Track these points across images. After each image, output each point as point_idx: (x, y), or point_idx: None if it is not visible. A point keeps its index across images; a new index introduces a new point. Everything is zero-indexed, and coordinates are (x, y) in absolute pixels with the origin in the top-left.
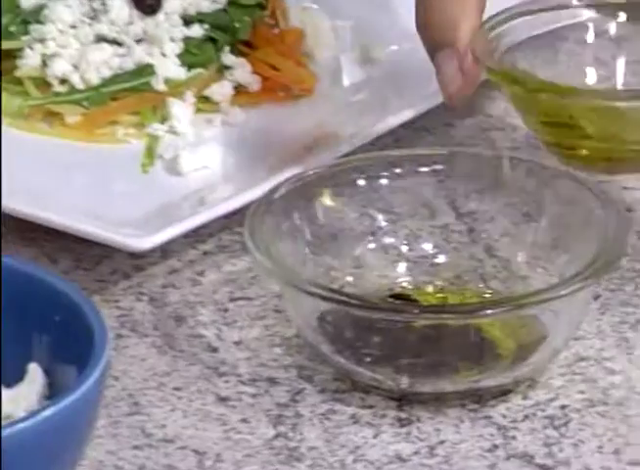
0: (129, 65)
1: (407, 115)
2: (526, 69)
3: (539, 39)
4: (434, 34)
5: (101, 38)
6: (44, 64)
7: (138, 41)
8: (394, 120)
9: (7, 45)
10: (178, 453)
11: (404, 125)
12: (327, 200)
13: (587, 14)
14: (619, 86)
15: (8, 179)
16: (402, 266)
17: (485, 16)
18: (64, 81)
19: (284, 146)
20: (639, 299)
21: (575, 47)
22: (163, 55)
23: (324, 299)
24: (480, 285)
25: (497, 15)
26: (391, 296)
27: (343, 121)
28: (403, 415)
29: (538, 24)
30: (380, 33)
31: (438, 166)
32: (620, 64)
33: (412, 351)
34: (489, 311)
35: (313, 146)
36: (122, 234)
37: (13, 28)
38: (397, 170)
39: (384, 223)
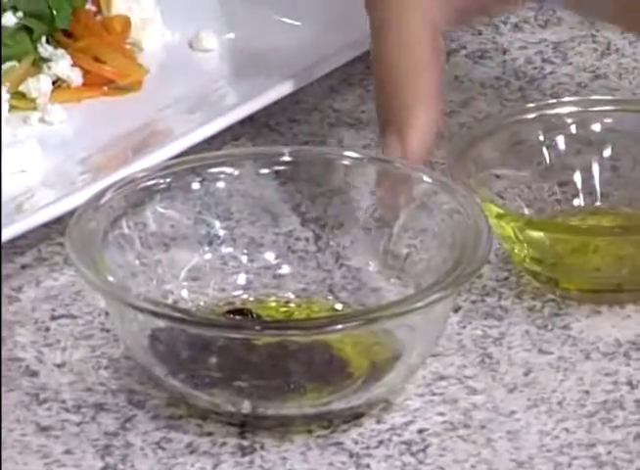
0: None
1: (246, 110)
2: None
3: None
4: (386, 105)
5: None
6: None
7: None
8: (232, 117)
9: None
10: None
11: (243, 122)
12: (158, 205)
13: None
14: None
15: None
16: (242, 278)
17: None
18: None
19: (109, 146)
20: (502, 311)
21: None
22: None
23: (155, 315)
24: (329, 297)
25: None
26: (230, 311)
27: (175, 118)
28: (245, 443)
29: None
30: (213, 20)
31: (281, 168)
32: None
33: (254, 371)
34: (339, 327)
35: (142, 146)
36: None
37: None
38: (236, 172)
39: (221, 231)
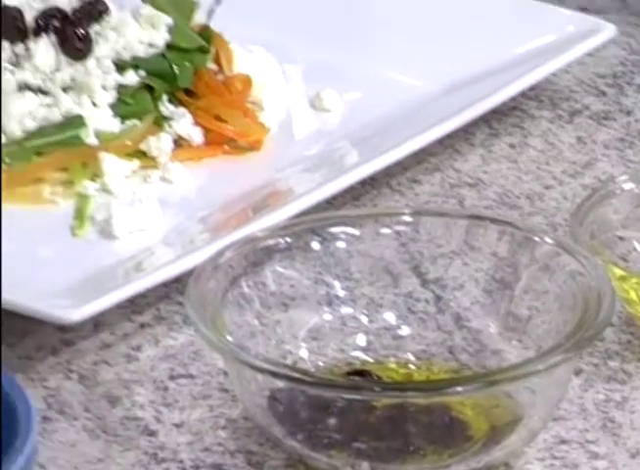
0: (56, 116)
1: (366, 170)
2: None
3: None
4: None
5: (24, 86)
6: None
7: (65, 90)
8: (353, 177)
9: None
10: None
11: (364, 182)
12: (277, 265)
13: None
14: None
15: None
16: (362, 339)
17: None
18: None
19: (229, 205)
20: (625, 374)
21: None
22: (94, 105)
23: (274, 375)
24: (449, 359)
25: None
26: (350, 372)
27: (296, 178)
28: None
29: None
30: (334, 79)
31: (402, 228)
32: None
33: (373, 433)
34: (459, 389)
35: (262, 205)
36: (50, 305)
37: None
38: (356, 232)
39: (341, 291)
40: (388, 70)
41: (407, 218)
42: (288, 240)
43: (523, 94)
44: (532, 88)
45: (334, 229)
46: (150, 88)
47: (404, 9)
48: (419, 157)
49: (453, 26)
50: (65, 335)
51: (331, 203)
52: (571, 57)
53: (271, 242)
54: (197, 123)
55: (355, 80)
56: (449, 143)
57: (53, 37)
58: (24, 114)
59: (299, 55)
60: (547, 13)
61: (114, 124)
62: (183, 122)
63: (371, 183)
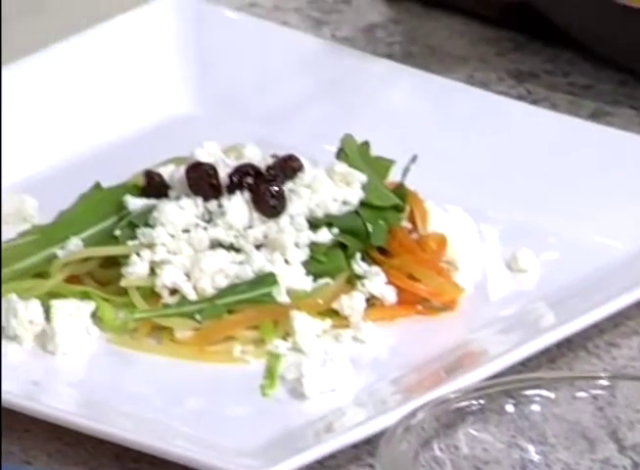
0: (248, 273)
1: (563, 332)
2: None
3: None
4: None
5: (216, 243)
6: (152, 272)
7: (258, 247)
8: (548, 339)
9: (112, 251)
10: None
11: (560, 344)
12: (470, 427)
13: None
14: None
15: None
16: None
17: None
18: (174, 292)
19: (422, 366)
20: None
21: None
22: (287, 262)
23: None
24: None
25: None
26: None
27: (490, 339)
28: None
29: None
30: (531, 240)
31: (599, 392)
32: None
33: None
34: None
35: (456, 366)
36: (239, 465)
37: (118, 232)
38: (552, 395)
39: (535, 456)
40: (585, 231)
41: (604, 382)
42: (481, 402)
43: None
44: None
45: (528, 392)
46: (343, 246)
47: (602, 170)
48: (616, 320)
49: None
50: None
51: (525, 365)
52: None
53: (464, 404)
54: (390, 282)
55: (552, 241)
56: None
57: (246, 194)
58: (216, 271)
59: (496, 215)
60: None
61: (306, 283)
62: (376, 281)
63: (567, 345)
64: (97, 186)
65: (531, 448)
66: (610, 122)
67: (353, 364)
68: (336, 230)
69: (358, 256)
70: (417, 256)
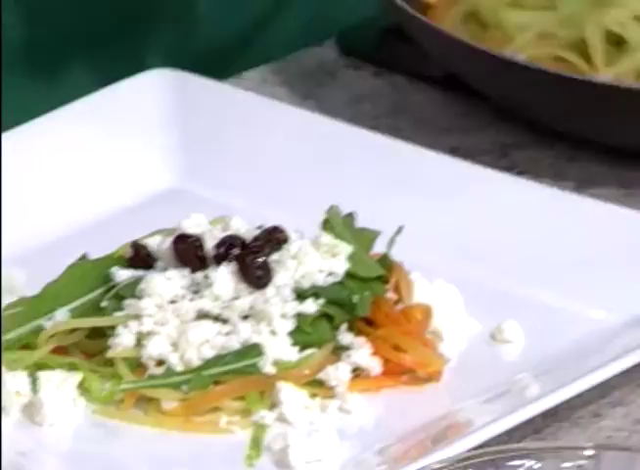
0: (234, 344)
1: (548, 402)
2: None
3: None
4: None
5: (203, 314)
6: (139, 343)
7: (244, 318)
8: (533, 409)
9: (98, 322)
10: None
11: (545, 414)
12: None
13: None
14: None
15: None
16: None
17: None
18: (160, 363)
19: (408, 436)
20: None
21: None
22: (273, 333)
23: None
24: None
25: None
26: None
27: (475, 409)
28: None
29: None
30: (515, 311)
31: (584, 462)
32: None
33: None
34: None
35: (441, 437)
36: None
37: (104, 304)
38: (537, 465)
39: None
40: (569, 301)
41: (589, 453)
42: None
43: None
44: None
45: (514, 462)
46: (329, 317)
47: (586, 241)
48: (601, 390)
49: (638, 257)
50: None
51: (511, 435)
52: None
53: None
54: (375, 353)
55: (537, 311)
56: (633, 376)
57: (233, 266)
58: (203, 342)
59: (480, 285)
60: None
61: (291, 353)
62: (362, 352)
63: (552, 416)
64: (83, 258)
65: None
66: (594, 194)
67: (339, 435)
68: (321, 301)
69: (344, 326)
70: (402, 326)
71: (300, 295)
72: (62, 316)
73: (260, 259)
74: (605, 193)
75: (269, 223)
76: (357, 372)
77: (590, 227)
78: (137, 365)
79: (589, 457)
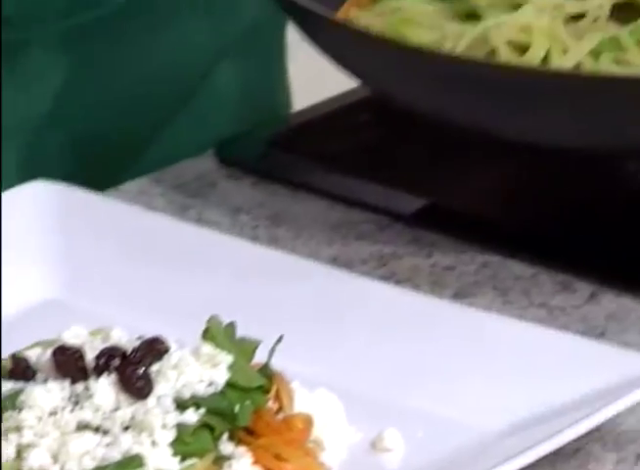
0: (115, 455)
1: None
2: None
3: None
4: None
5: (84, 426)
6: (19, 455)
7: (125, 429)
8: None
9: None
10: None
11: None
12: None
13: None
14: None
15: None
16: None
17: None
18: None
19: None
20: None
21: None
22: (154, 444)
23: None
24: None
25: None
26: None
27: None
28: None
29: None
30: (396, 419)
31: None
32: None
33: None
34: None
35: None
36: None
37: None
38: None
39: None
40: (449, 410)
41: None
42: None
43: (587, 435)
44: (597, 429)
45: None
46: (209, 427)
47: (464, 350)
48: None
49: (513, 366)
50: None
51: None
52: (636, 398)
53: None
54: (257, 462)
55: (417, 420)
56: None
57: (113, 377)
58: (83, 453)
59: (361, 394)
60: (612, 354)
61: (172, 464)
62: (243, 462)
63: None
64: None
65: None
66: (472, 303)
67: None
68: (202, 411)
69: (225, 436)
70: (283, 436)
71: (181, 405)
72: None
73: (141, 371)
74: (483, 302)
75: (150, 334)
76: None
77: (468, 336)
78: None
79: None
